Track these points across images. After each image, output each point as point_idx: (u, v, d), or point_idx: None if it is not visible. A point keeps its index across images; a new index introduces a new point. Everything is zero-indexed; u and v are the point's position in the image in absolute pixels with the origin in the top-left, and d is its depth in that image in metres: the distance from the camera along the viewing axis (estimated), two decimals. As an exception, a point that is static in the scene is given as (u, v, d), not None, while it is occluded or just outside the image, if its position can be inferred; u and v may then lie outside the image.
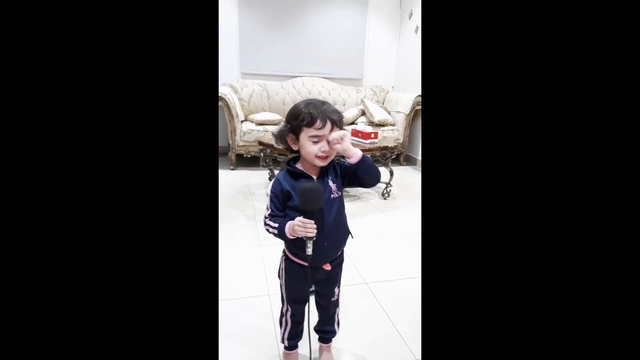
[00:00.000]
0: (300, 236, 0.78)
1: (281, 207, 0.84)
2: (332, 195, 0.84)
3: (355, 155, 0.80)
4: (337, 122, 0.80)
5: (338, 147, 0.79)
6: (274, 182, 0.85)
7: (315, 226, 0.76)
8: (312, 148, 0.79)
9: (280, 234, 0.81)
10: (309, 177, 0.83)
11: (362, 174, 0.82)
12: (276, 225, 0.82)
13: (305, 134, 0.79)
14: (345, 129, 0.85)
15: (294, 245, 0.86)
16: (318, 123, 0.77)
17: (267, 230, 0.84)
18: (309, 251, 0.79)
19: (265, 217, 0.84)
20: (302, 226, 0.76)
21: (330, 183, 0.84)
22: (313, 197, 0.76)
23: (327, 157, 0.81)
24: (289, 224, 0.80)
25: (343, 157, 0.83)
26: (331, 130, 0.79)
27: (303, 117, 0.78)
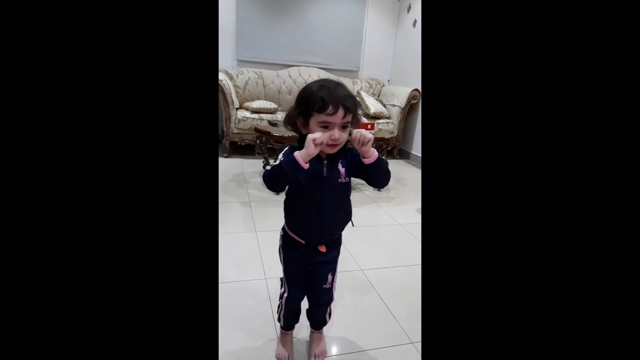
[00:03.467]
0: (322, 144, 0.73)
1: None
2: (339, 180, 0.83)
3: (371, 157, 0.77)
4: (351, 108, 0.75)
5: (358, 146, 0.75)
6: (285, 151, 0.81)
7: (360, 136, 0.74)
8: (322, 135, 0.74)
9: (287, 166, 0.74)
10: (317, 159, 0.79)
11: (372, 175, 0.81)
12: (280, 159, 0.77)
13: (315, 119, 0.75)
14: (359, 114, 0.81)
15: (293, 219, 0.88)
16: (330, 109, 0.72)
17: (265, 173, 0.79)
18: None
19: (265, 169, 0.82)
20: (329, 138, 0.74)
21: (340, 167, 0.82)
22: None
23: (336, 145, 0.77)
24: (298, 152, 0.74)
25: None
26: (343, 117, 0.74)
27: (314, 101, 0.73)
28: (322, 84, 0.77)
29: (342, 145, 0.80)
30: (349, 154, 0.84)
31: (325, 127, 0.75)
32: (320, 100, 0.73)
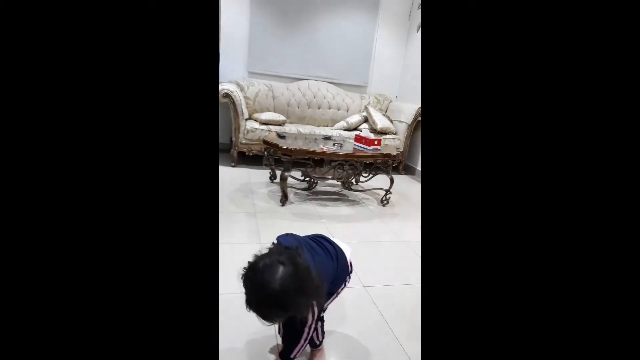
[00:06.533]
0: None
1: None
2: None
3: None
4: (267, 319, 0.77)
5: None
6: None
7: None
8: None
9: None
10: None
11: None
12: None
13: None
14: (313, 310, 0.84)
15: None
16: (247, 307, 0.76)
17: None
18: None
19: None
20: None
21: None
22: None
23: None
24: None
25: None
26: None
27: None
28: (251, 274, 0.75)
29: None
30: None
31: None
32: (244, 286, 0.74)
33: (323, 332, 1.05)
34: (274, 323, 0.79)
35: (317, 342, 1.05)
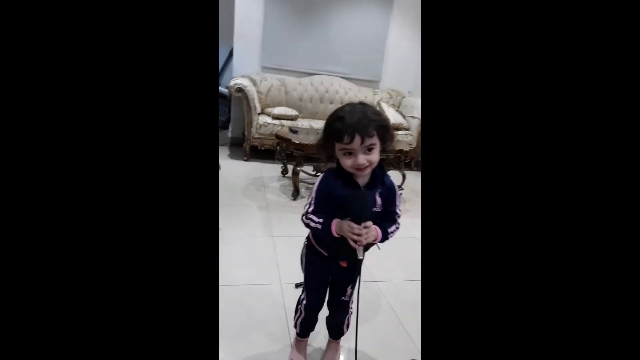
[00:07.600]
0: (347, 238, 0.78)
1: (323, 205, 0.84)
2: (373, 209, 0.83)
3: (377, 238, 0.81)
4: (368, 132, 0.75)
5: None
6: (320, 180, 0.86)
7: (365, 236, 0.76)
8: (346, 162, 0.78)
9: (323, 229, 0.82)
10: (355, 184, 0.82)
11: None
12: (320, 220, 0.82)
13: (338, 148, 0.78)
14: (393, 133, 0.82)
15: (321, 240, 0.89)
16: (345, 138, 0.74)
17: (308, 224, 0.84)
18: (360, 255, 0.78)
19: (307, 212, 0.85)
20: (351, 231, 0.76)
21: (377, 197, 0.83)
22: (361, 205, 0.78)
23: (364, 168, 0.78)
24: (336, 222, 0.80)
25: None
26: (362, 143, 0.75)
27: (331, 132, 0.78)
28: (340, 113, 0.78)
29: (373, 165, 0.79)
30: (385, 183, 0.85)
31: (349, 153, 0.77)
32: (337, 130, 0.76)
33: (349, 324, 1.06)
34: (355, 129, 0.74)
35: (345, 330, 1.06)
